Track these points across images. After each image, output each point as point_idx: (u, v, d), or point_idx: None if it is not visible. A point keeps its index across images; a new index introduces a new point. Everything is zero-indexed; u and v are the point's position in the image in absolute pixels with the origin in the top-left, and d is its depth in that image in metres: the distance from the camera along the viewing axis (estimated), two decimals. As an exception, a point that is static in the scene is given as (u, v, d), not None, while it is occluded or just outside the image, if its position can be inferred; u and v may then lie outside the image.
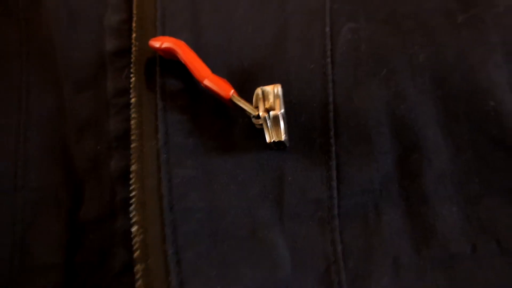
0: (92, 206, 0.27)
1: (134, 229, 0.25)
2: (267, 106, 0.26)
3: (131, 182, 0.26)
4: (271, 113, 0.26)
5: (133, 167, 0.27)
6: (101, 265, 0.26)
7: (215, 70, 0.28)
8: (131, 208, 0.26)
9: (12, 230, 0.27)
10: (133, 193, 0.26)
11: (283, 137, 0.26)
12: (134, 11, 0.30)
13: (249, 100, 0.27)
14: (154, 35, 0.29)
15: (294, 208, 0.26)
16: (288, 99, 0.28)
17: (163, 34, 0.29)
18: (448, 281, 0.25)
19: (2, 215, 0.27)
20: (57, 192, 0.28)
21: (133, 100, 0.28)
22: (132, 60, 0.29)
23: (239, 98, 0.27)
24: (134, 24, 0.30)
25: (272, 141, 0.27)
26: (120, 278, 0.26)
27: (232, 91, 0.27)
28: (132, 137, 0.27)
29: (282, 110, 0.26)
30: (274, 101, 0.27)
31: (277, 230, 0.26)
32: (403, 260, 0.25)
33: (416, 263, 0.25)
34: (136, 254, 0.25)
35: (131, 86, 0.29)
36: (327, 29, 0.29)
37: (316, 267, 0.25)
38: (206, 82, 0.27)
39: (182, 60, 0.28)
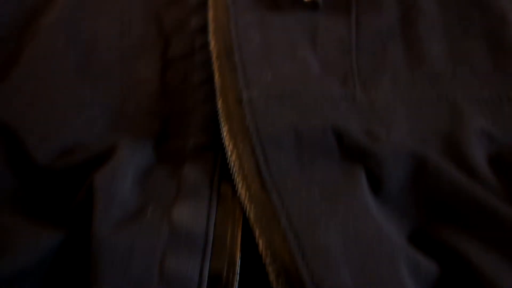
0: (177, 48, 0.38)
1: (211, 45, 0.36)
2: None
3: (208, 24, 0.37)
4: (309, -21, 0.37)
5: (209, 15, 0.37)
6: (184, 80, 0.37)
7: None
8: (208, 38, 0.36)
9: (121, 63, 0.38)
10: (210, 30, 0.37)
11: (317, -5, 0.37)
12: None
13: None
14: None
15: (324, 42, 0.37)
16: None
17: None
18: (433, 90, 0.35)
19: (112, 54, 0.38)
20: (152, 39, 0.39)
21: None
22: None
23: None
24: None
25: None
26: (199, 88, 0.36)
27: None
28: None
29: None
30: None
31: (311, 51, 0.36)
32: (400, 75, 0.35)
33: (410, 78, 0.35)
34: (214, 64, 0.35)
35: None
36: None
37: (338, 73, 0.35)
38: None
39: None
